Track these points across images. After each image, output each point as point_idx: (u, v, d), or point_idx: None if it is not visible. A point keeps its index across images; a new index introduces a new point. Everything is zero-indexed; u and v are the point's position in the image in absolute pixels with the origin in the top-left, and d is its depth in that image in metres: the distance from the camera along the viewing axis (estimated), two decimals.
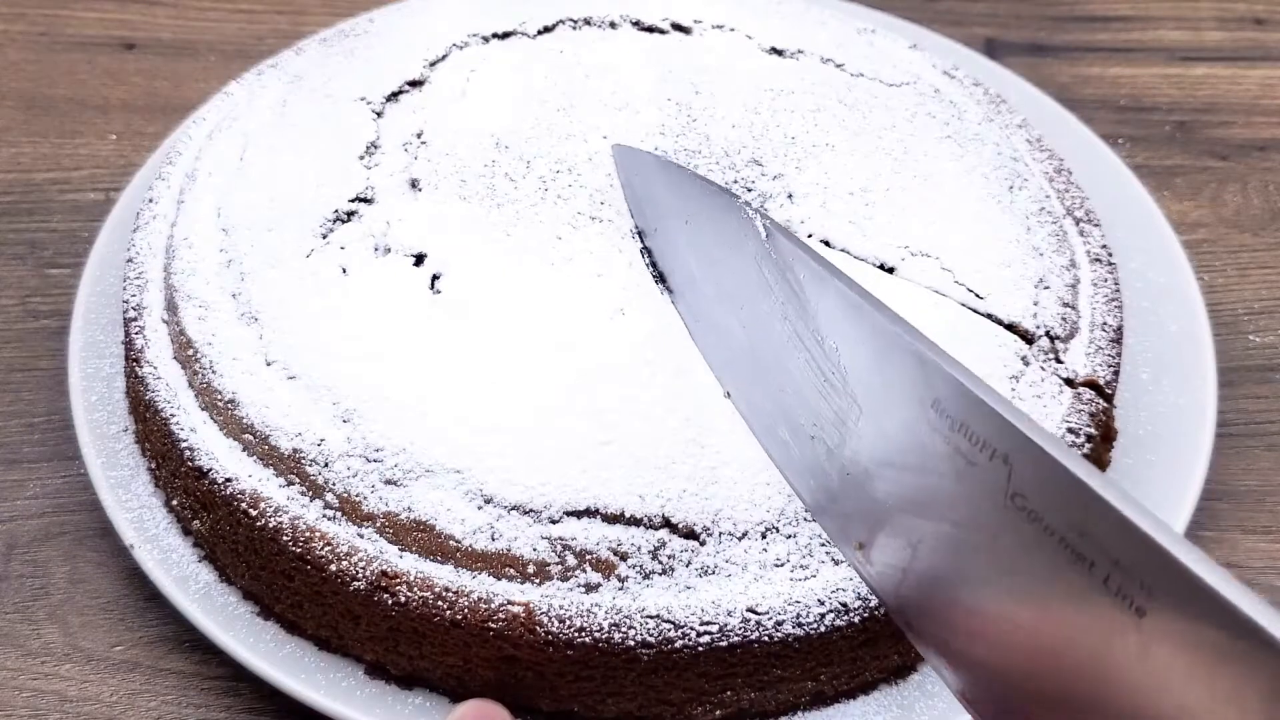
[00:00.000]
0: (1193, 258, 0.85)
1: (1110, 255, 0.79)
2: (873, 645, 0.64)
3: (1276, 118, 1.03)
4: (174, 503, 0.71)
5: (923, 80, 0.85)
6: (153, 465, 0.72)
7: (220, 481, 0.66)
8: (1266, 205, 0.96)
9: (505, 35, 0.83)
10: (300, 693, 0.64)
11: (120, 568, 0.73)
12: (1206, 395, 0.77)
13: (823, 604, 0.62)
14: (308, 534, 0.64)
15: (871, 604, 0.62)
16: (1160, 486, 0.73)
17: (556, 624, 0.61)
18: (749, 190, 0.75)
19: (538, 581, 0.62)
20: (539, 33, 0.83)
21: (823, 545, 0.63)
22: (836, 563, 0.63)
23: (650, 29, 0.84)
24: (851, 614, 0.62)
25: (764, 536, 0.63)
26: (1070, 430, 0.69)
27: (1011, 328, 0.71)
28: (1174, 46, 1.09)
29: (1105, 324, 0.74)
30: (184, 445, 0.67)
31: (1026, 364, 0.70)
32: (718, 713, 0.64)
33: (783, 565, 0.63)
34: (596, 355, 0.66)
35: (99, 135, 0.97)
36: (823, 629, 0.62)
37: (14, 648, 0.70)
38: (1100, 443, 0.71)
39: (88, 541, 0.75)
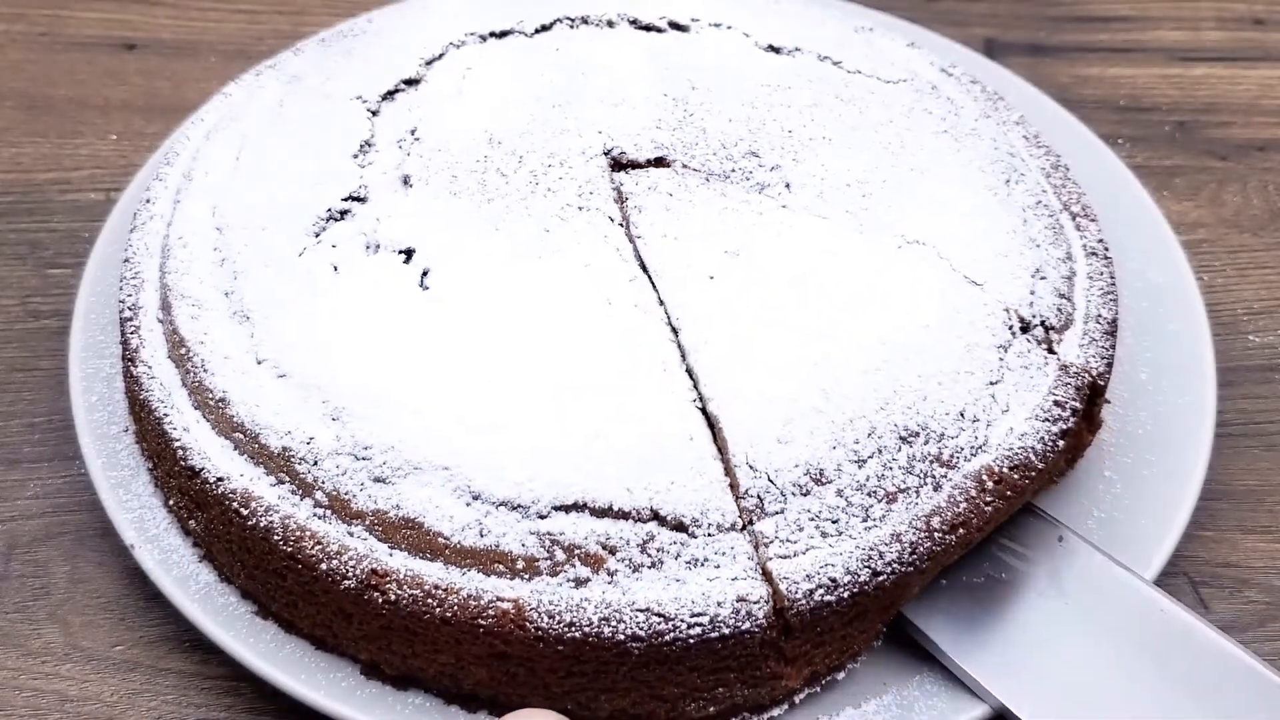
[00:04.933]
0: (1192, 258, 0.85)
1: (1106, 249, 0.79)
2: (862, 620, 0.64)
3: (1276, 118, 1.03)
4: (171, 502, 0.71)
5: (920, 77, 0.85)
6: (151, 465, 0.72)
7: (212, 481, 0.66)
8: (1266, 205, 0.96)
9: (503, 34, 0.83)
10: (300, 692, 0.64)
11: (120, 567, 0.73)
12: (1206, 395, 0.77)
13: (810, 579, 0.62)
14: (298, 533, 0.64)
15: (860, 579, 0.62)
16: (1159, 486, 0.73)
17: (546, 619, 0.61)
18: (747, 179, 0.75)
19: (527, 577, 0.61)
20: (536, 31, 0.84)
21: (811, 520, 0.63)
22: (824, 535, 0.63)
23: (648, 27, 0.85)
24: (840, 589, 0.62)
25: (751, 523, 0.63)
26: (1057, 403, 0.69)
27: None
28: (1173, 47, 1.08)
29: (1100, 316, 0.74)
30: (177, 444, 0.67)
31: (1014, 334, 0.70)
32: (711, 709, 0.64)
33: (770, 543, 0.62)
34: (584, 348, 0.66)
35: (99, 135, 0.97)
36: (811, 605, 0.62)
37: (14, 647, 0.71)
38: (1083, 420, 0.71)
39: (88, 541, 0.75)
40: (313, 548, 0.63)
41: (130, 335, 0.73)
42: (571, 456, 0.63)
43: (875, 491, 0.64)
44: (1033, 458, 0.67)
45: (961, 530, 0.65)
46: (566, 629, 0.61)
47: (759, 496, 0.63)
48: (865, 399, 0.65)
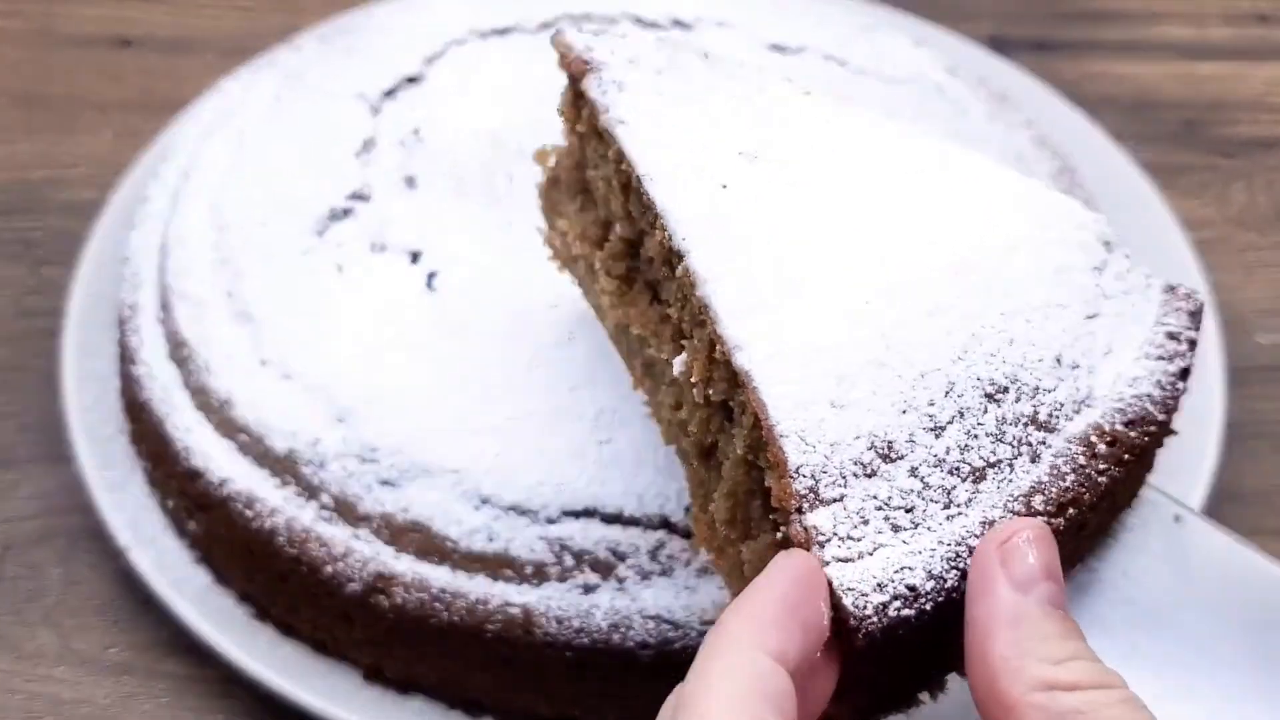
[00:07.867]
0: (1199, 256, 0.85)
1: None
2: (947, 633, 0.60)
3: None
4: (169, 504, 0.70)
5: (926, 78, 0.85)
6: (147, 466, 0.72)
7: (215, 482, 0.66)
8: (1273, 203, 0.96)
9: (504, 31, 0.83)
10: (297, 696, 0.64)
11: (115, 570, 0.73)
12: (1214, 395, 0.77)
13: (883, 589, 0.51)
14: (303, 535, 0.63)
15: (947, 584, 0.49)
16: (1167, 487, 0.72)
17: (554, 625, 0.60)
18: None
19: (535, 583, 0.61)
20: (538, 29, 0.83)
21: (879, 509, 0.49)
22: (896, 529, 0.48)
23: (650, 25, 0.84)
24: (923, 600, 0.49)
25: (801, 511, 0.58)
26: (1170, 335, 0.53)
27: None
28: (1180, 44, 1.08)
29: None
30: (178, 446, 0.67)
31: (1110, 250, 0.55)
32: None
33: (827, 542, 0.57)
34: (594, 353, 0.65)
35: (95, 133, 0.97)
36: (885, 622, 0.54)
37: (8, 650, 0.70)
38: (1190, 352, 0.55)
39: (82, 543, 0.74)
40: (318, 550, 0.63)
41: (129, 335, 0.72)
42: (582, 462, 0.63)
43: (958, 468, 0.49)
44: (1150, 408, 0.52)
45: (1072, 510, 0.49)
46: (575, 635, 0.60)
47: (813, 478, 0.47)
48: (937, 346, 0.49)
